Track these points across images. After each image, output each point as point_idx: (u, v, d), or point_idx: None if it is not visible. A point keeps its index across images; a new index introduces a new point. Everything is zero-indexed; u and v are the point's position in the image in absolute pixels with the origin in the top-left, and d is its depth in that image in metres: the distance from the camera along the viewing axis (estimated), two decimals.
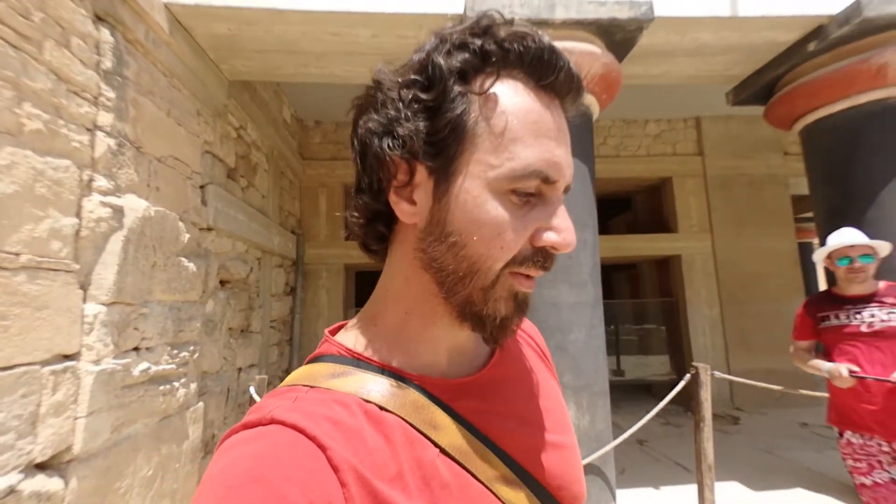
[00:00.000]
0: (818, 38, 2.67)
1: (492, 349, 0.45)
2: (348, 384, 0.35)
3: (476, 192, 0.35)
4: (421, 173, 0.36)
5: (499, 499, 0.36)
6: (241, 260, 3.47)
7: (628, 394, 6.59)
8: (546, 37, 0.36)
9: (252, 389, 2.22)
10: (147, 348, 2.10)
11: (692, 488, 3.06)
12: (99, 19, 1.90)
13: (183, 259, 2.41)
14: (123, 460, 1.89)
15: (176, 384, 2.34)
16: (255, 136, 3.86)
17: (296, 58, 2.76)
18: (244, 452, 0.30)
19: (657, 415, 5.43)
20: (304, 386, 0.35)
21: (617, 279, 9.61)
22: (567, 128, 0.38)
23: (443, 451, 0.35)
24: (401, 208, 0.37)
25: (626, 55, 2.65)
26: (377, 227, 0.40)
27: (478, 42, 0.34)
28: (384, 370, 0.37)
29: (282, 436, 0.31)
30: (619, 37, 2.49)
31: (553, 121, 0.36)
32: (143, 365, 2.04)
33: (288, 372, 4.85)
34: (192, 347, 2.50)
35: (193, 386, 2.51)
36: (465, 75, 0.35)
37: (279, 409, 0.32)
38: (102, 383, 1.70)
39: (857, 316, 1.76)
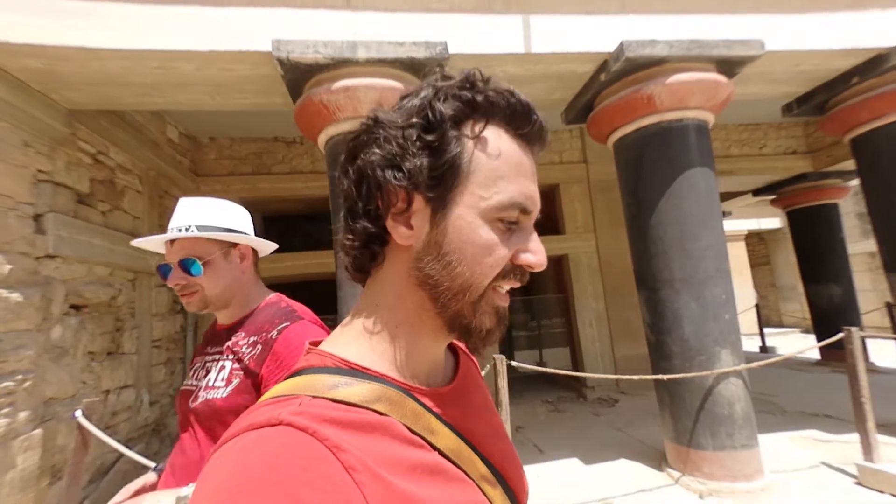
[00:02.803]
0: (605, 71, 3.11)
1: (454, 363, 0.52)
2: (352, 394, 0.37)
3: (470, 219, 0.40)
4: (418, 202, 0.41)
5: (485, 495, 0.41)
6: (101, 284, 3.48)
7: (542, 385, 6.97)
8: (522, 94, 0.42)
9: (78, 414, 2.30)
10: None
11: (537, 467, 3.44)
12: None
13: (3, 290, 2.45)
14: None
15: None
16: (121, 159, 3.87)
17: (130, 89, 2.86)
18: (255, 454, 0.30)
19: (548, 401, 5.87)
20: (307, 396, 0.36)
21: (536, 276, 10.16)
22: (536, 169, 0.44)
23: (441, 453, 0.39)
24: (398, 232, 0.42)
25: None
26: (373, 249, 0.44)
27: (468, 94, 0.41)
28: (383, 380, 0.40)
29: (293, 438, 0.31)
30: (426, 72, 2.79)
31: (529, 163, 0.43)
32: None
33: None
34: (20, 376, 2.54)
35: (23, 414, 2.55)
36: (457, 121, 0.41)
37: (286, 412, 0.33)
38: None
39: (204, 372, 1.01)
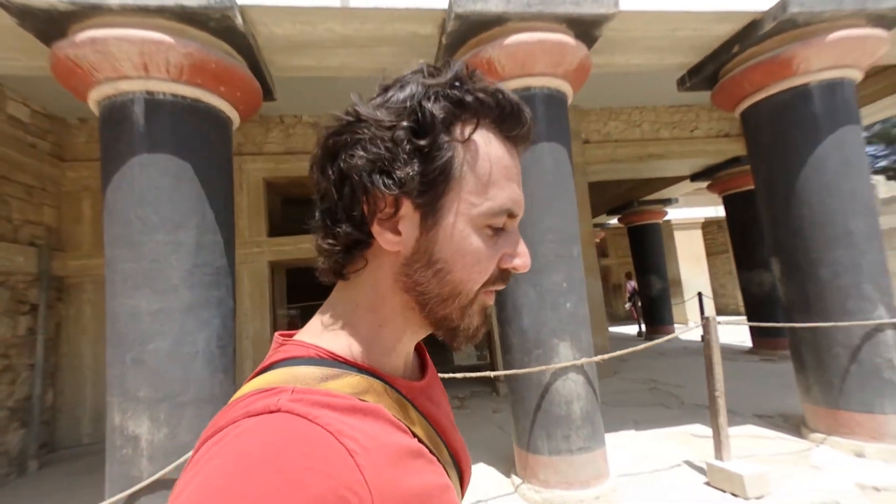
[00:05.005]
0: (445, 33, 2.75)
1: (419, 358, 0.53)
2: (342, 385, 0.37)
3: (461, 227, 0.40)
4: (407, 207, 0.40)
5: (449, 478, 0.42)
6: None
7: (464, 379, 6.69)
8: (512, 94, 0.41)
9: None
10: None
11: None
12: None
13: None
14: None
15: None
16: None
17: None
18: (256, 440, 0.30)
19: (458, 396, 5.59)
20: (299, 386, 0.36)
21: None
22: (520, 170, 0.44)
23: (420, 440, 0.40)
24: (385, 238, 0.40)
25: (235, 45, 2.56)
26: (355, 254, 0.42)
27: (458, 94, 0.39)
28: (369, 373, 0.40)
29: (294, 424, 0.31)
30: (213, 24, 2.38)
31: (515, 166, 0.42)
32: None
33: (29, 400, 4.36)
34: None
35: None
36: (447, 123, 0.38)
37: (284, 399, 0.33)
38: None
39: None
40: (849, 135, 3.11)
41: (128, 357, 2.16)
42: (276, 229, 5.76)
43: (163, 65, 2.26)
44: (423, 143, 0.38)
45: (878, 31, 3.04)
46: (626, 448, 3.20)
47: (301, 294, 8.30)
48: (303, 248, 5.37)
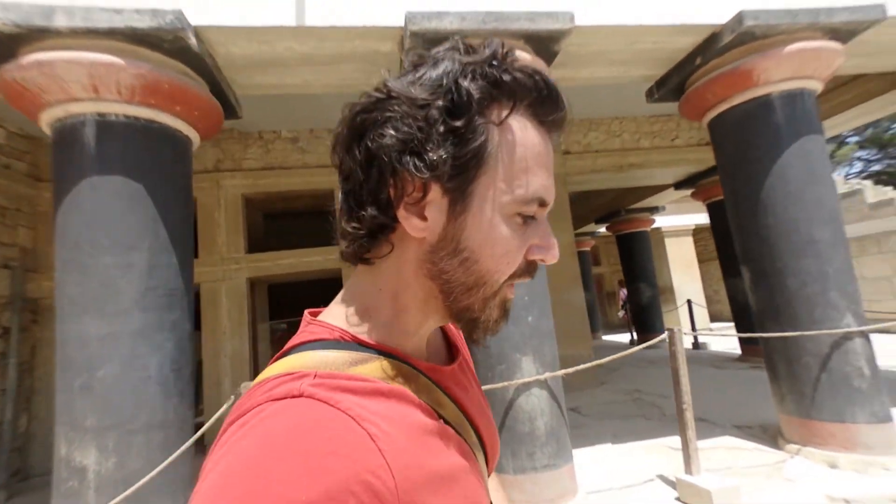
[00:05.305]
0: (403, 50, 2.76)
1: (445, 341, 0.53)
2: (369, 370, 0.37)
3: (490, 214, 0.38)
4: (435, 191, 0.38)
5: (476, 460, 0.43)
6: None
7: None
8: (551, 76, 0.39)
9: None
10: None
11: None
12: None
13: None
14: None
15: None
16: None
17: None
18: (280, 424, 0.30)
19: None
20: (323, 371, 0.35)
21: None
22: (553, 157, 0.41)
23: (447, 422, 0.40)
24: (411, 223, 0.39)
25: (191, 65, 2.56)
26: (380, 238, 0.41)
27: (495, 74, 0.37)
28: (396, 357, 0.40)
29: (316, 409, 0.31)
30: (166, 46, 2.38)
31: (549, 153, 0.40)
32: None
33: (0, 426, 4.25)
34: None
35: None
36: (482, 104, 0.37)
37: (306, 384, 0.33)
38: None
39: None
40: (811, 144, 3.13)
41: (76, 384, 2.11)
42: (257, 244, 5.74)
43: (113, 86, 2.25)
44: (457, 124, 0.36)
45: (833, 44, 3.08)
46: (601, 463, 3.14)
47: (287, 309, 8.20)
48: (282, 263, 5.34)
